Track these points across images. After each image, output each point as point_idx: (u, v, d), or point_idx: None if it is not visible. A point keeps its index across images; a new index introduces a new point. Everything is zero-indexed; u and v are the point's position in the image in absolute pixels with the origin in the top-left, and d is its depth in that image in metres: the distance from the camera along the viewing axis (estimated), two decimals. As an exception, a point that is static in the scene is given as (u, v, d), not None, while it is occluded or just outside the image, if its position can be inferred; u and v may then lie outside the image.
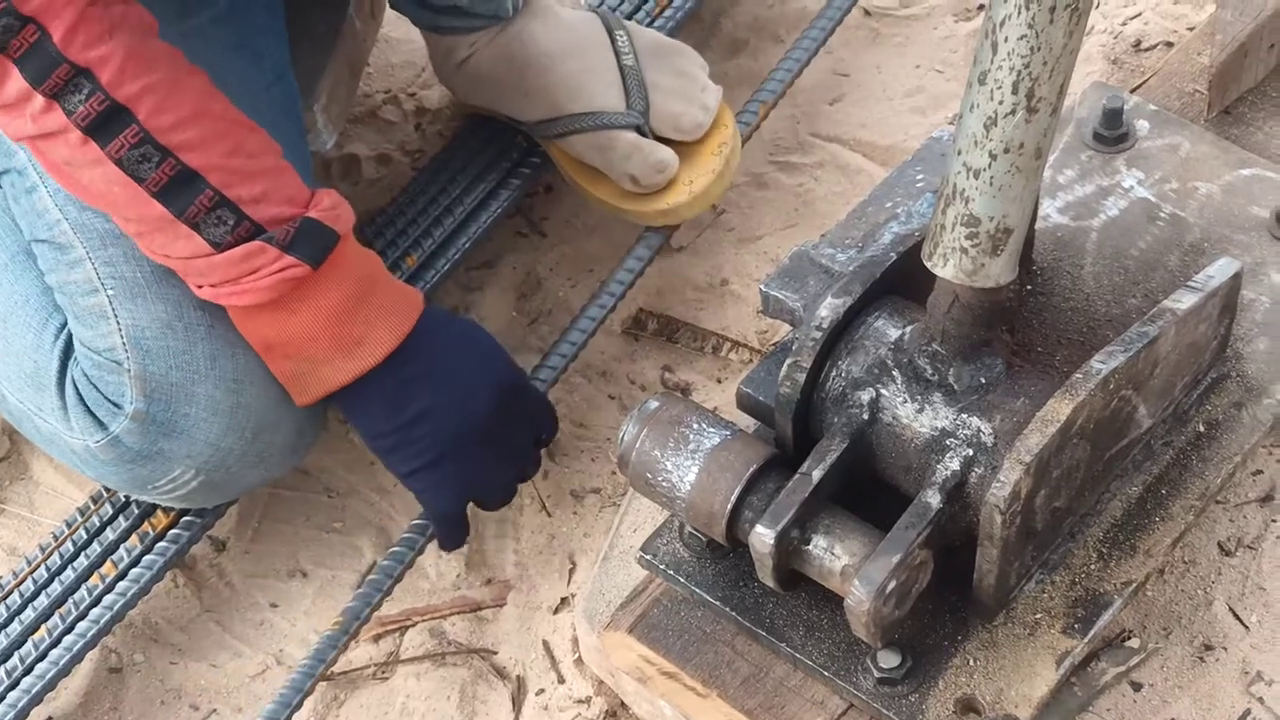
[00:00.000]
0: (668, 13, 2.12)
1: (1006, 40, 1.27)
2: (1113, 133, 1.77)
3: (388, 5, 1.98)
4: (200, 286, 1.57)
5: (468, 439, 1.61)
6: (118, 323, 1.62)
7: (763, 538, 1.43)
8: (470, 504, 1.68)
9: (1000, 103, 1.30)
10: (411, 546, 1.70)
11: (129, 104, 1.47)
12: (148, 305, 1.62)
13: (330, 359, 1.58)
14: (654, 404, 1.51)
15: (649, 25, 2.10)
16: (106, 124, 1.47)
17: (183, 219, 1.50)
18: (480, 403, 1.61)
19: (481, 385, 1.62)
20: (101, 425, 1.64)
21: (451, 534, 1.68)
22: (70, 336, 1.66)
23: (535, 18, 1.94)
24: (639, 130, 1.90)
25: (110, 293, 1.62)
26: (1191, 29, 2.07)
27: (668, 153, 1.90)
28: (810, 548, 1.44)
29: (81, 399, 1.65)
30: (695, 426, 1.49)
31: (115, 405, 1.63)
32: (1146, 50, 2.09)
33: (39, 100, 1.46)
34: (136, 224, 1.54)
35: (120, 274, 1.62)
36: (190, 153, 1.49)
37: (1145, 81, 1.94)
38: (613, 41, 1.94)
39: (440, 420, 1.60)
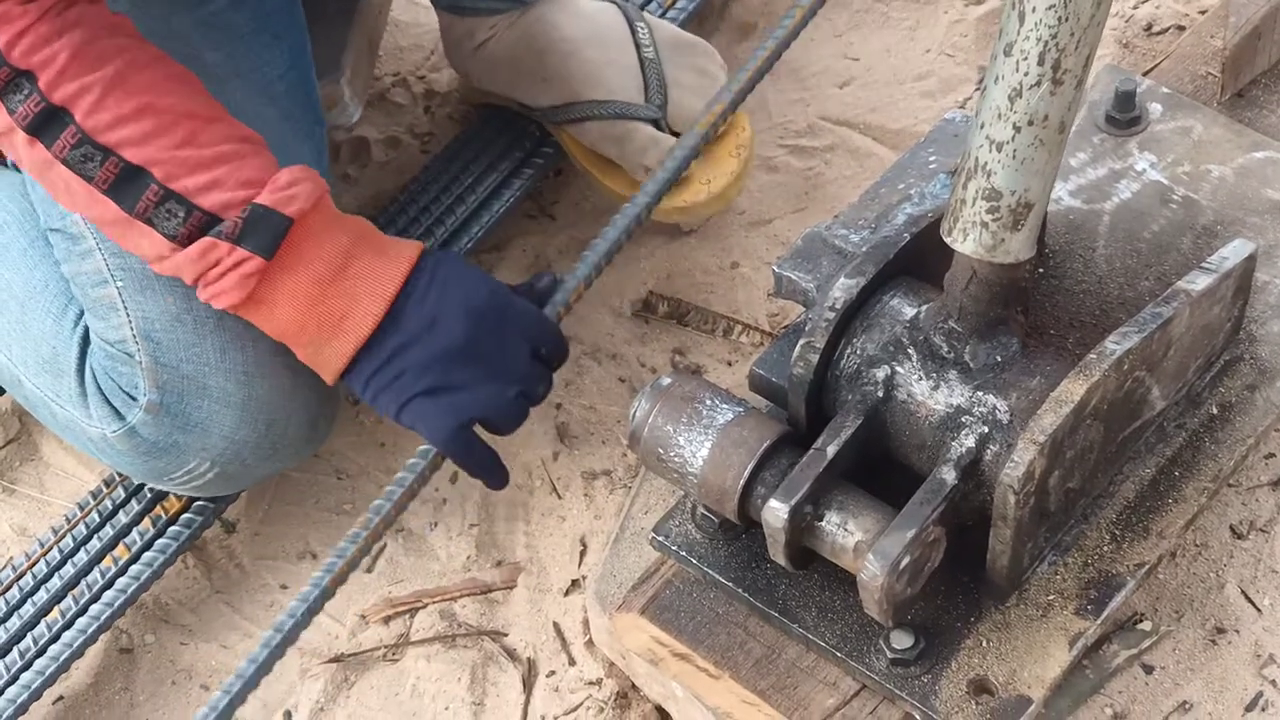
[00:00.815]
0: (681, 3, 2.12)
1: (1034, 10, 1.27)
2: (1125, 116, 1.77)
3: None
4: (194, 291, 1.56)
5: (445, 362, 1.53)
6: (128, 315, 1.62)
7: (776, 512, 1.42)
8: (477, 428, 1.58)
9: (1026, 74, 1.30)
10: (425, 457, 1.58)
11: (65, 105, 1.46)
12: (157, 298, 1.61)
13: (327, 340, 1.54)
14: (667, 380, 1.51)
15: (661, 17, 2.10)
16: (46, 125, 1.46)
17: (135, 215, 1.48)
18: (451, 324, 1.53)
19: (451, 308, 1.54)
20: (119, 415, 1.64)
21: (468, 460, 1.57)
22: None
23: (555, 4, 1.94)
24: (655, 124, 1.90)
25: (120, 284, 1.62)
26: (1203, 12, 2.06)
27: None
28: (823, 524, 1.44)
29: (99, 387, 1.65)
30: (708, 403, 1.48)
31: (130, 396, 1.63)
32: (1158, 34, 2.09)
33: None
34: (109, 227, 1.52)
35: (129, 266, 1.61)
36: (131, 149, 1.47)
37: (1158, 64, 1.94)
38: (633, 33, 1.94)
39: (413, 352, 1.53)
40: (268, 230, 1.48)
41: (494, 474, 1.58)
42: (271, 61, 1.71)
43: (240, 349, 1.61)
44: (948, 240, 1.40)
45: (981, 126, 1.34)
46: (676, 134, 1.90)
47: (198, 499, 1.77)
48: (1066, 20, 1.28)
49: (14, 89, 1.45)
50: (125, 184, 1.47)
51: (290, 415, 1.65)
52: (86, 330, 1.67)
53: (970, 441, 1.43)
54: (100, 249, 1.62)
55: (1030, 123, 1.32)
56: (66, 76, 1.45)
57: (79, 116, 1.45)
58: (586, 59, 1.91)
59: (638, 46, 1.93)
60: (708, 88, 1.92)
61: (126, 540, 1.76)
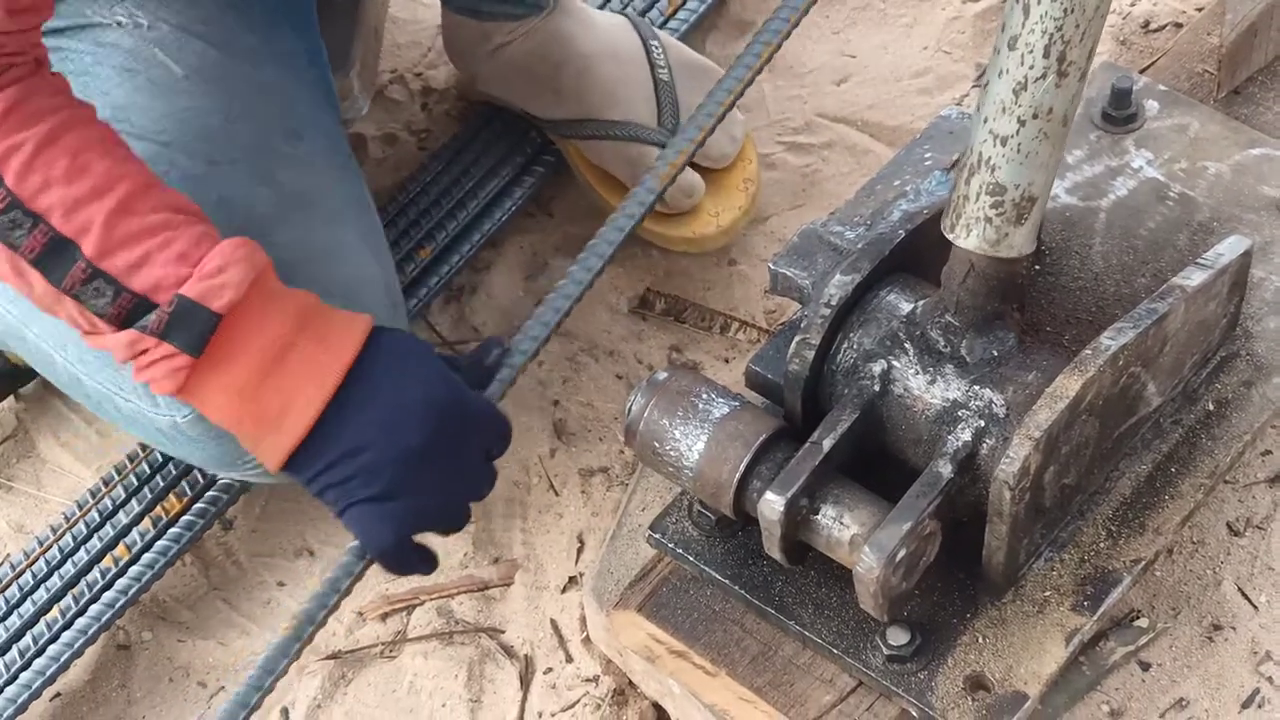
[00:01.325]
0: (682, 14, 2.13)
1: (1040, 3, 1.28)
2: (1122, 113, 1.77)
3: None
4: None
5: (398, 468, 1.43)
6: None
7: (772, 505, 1.42)
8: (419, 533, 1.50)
9: (1031, 67, 1.30)
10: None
11: None
12: None
13: (264, 435, 1.43)
14: (663, 375, 1.51)
15: (661, 26, 2.11)
16: None
17: (63, 290, 1.39)
18: (409, 427, 1.43)
19: (412, 411, 1.43)
20: None
21: (399, 569, 1.50)
22: None
23: (571, 17, 1.94)
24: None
25: None
26: (1200, 9, 2.06)
27: (697, 178, 1.92)
28: (819, 517, 1.44)
29: None
30: (704, 397, 1.49)
31: None
32: (1155, 31, 2.09)
33: None
34: (39, 301, 1.42)
35: None
36: (60, 216, 1.38)
37: (1155, 62, 1.94)
38: (648, 52, 1.94)
39: (366, 456, 1.43)
40: (194, 326, 1.39)
41: (423, 571, 1.52)
42: (299, 51, 1.70)
43: None
44: (949, 236, 1.40)
45: (985, 121, 1.34)
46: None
47: (199, 500, 1.77)
48: (1072, 12, 1.28)
49: None
50: (53, 256, 1.38)
51: None
52: None
53: (966, 435, 1.43)
54: None
55: (1035, 116, 1.32)
56: None
57: (9, 179, 1.38)
58: (602, 76, 1.91)
59: (652, 66, 1.94)
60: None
61: (127, 540, 1.75)
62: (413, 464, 1.43)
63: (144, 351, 1.41)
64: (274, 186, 1.59)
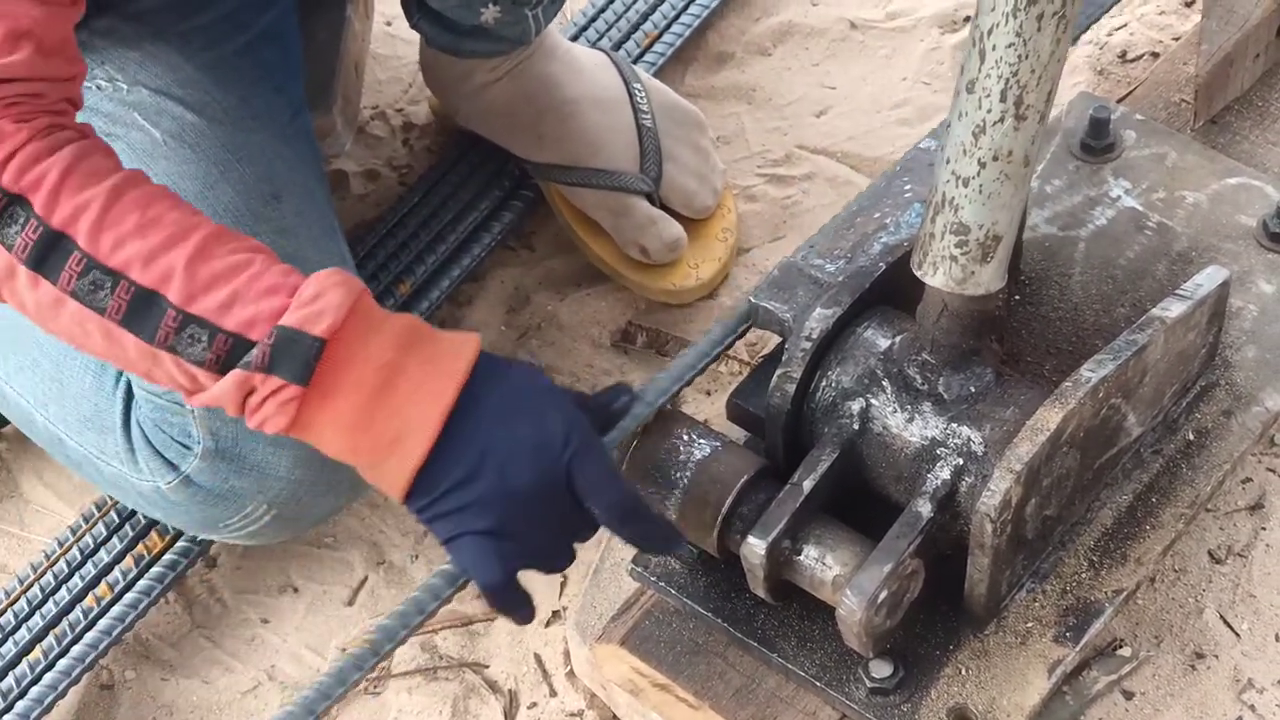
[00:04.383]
0: (658, 46, 2.14)
1: (995, 48, 1.28)
2: (1100, 143, 1.78)
3: (409, 25, 1.90)
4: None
5: (509, 506, 1.38)
6: None
7: (754, 548, 1.43)
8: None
9: (989, 111, 1.31)
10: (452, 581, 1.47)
11: (64, 228, 1.34)
12: None
13: (381, 462, 1.38)
14: (644, 416, 1.51)
15: (639, 58, 2.12)
16: (48, 255, 1.34)
17: (156, 344, 1.35)
18: (523, 467, 1.38)
19: (524, 447, 1.38)
20: (172, 466, 1.60)
21: (504, 604, 1.44)
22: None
23: (556, 60, 1.94)
24: (649, 198, 1.91)
25: None
26: (1177, 39, 2.07)
27: (680, 231, 1.93)
28: (801, 558, 1.44)
29: (149, 440, 1.61)
30: (685, 438, 1.49)
31: (184, 446, 1.59)
32: (1132, 61, 2.10)
33: None
34: (137, 364, 1.38)
35: None
36: (140, 268, 1.34)
37: (1132, 91, 1.94)
38: (631, 96, 1.94)
39: (478, 486, 1.38)
40: (299, 355, 1.33)
41: (524, 615, 1.46)
42: (279, 108, 1.70)
43: None
44: (918, 274, 1.40)
45: (947, 162, 1.35)
46: (667, 209, 1.93)
47: (180, 539, 1.76)
48: (1027, 58, 1.28)
49: (9, 219, 1.34)
50: (140, 311, 1.34)
51: None
52: (129, 385, 1.62)
53: (945, 474, 1.44)
54: None
55: (995, 158, 1.33)
56: (62, 195, 1.34)
57: (81, 240, 1.34)
58: (586, 123, 1.92)
59: (635, 111, 1.94)
60: (702, 166, 1.96)
61: (109, 579, 1.74)
62: (523, 502, 1.38)
63: (251, 391, 1.34)
64: None
